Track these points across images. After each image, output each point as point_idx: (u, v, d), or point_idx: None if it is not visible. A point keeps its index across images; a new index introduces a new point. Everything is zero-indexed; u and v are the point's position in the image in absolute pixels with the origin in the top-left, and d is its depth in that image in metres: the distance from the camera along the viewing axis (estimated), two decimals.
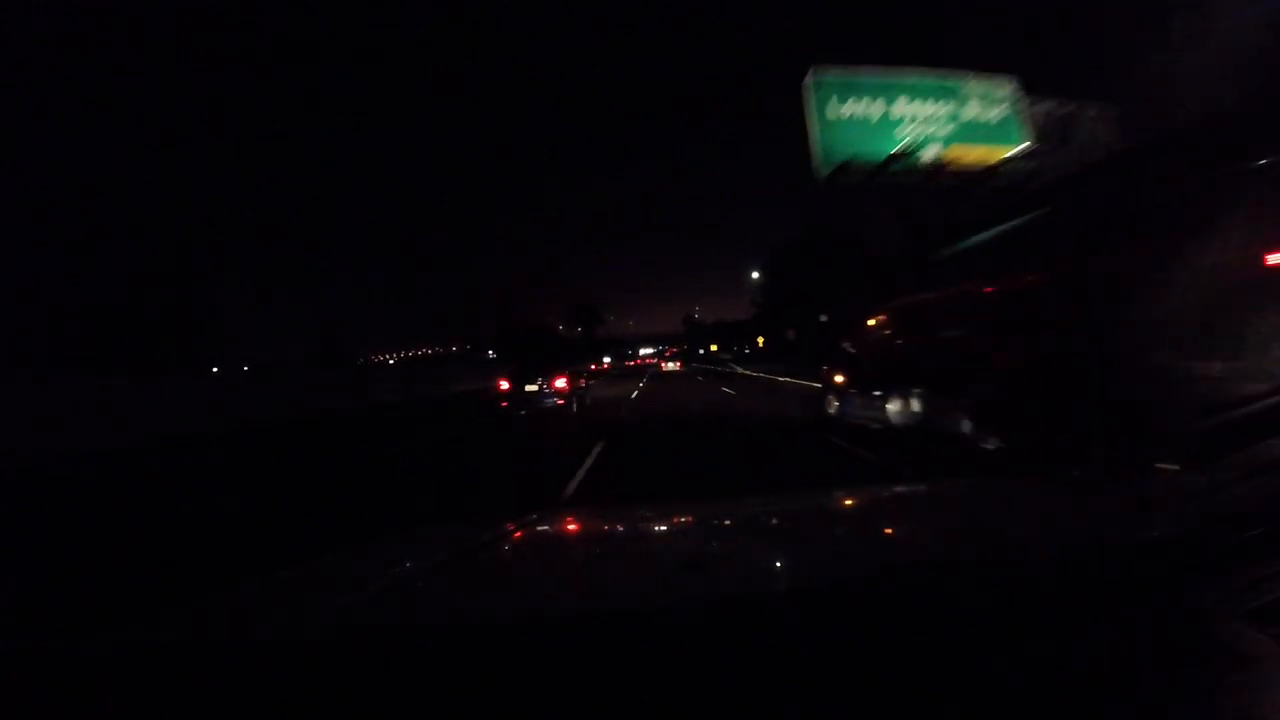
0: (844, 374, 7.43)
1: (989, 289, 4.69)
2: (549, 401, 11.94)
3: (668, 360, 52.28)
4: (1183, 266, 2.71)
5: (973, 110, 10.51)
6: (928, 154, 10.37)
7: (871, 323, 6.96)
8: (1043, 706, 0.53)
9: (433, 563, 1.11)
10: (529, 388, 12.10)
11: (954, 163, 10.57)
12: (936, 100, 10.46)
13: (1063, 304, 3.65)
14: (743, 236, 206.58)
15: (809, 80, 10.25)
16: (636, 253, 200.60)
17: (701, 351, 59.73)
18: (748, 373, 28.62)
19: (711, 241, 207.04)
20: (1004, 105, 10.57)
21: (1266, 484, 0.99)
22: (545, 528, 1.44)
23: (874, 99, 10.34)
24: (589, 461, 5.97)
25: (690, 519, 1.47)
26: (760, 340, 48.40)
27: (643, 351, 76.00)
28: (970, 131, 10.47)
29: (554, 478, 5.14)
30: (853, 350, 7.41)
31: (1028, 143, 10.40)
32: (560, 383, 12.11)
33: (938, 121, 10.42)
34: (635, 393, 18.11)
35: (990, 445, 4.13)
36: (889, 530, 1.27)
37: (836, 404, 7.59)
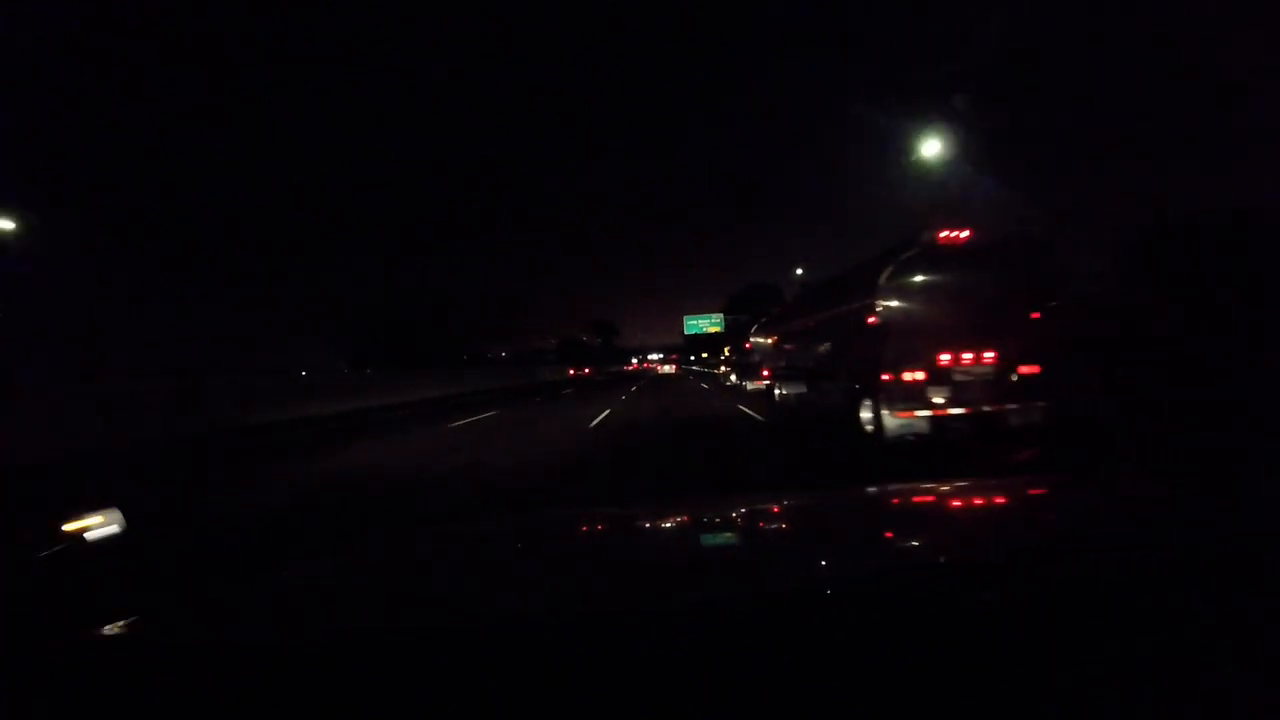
0: (727, 367, 25.19)
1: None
2: None
3: (664, 365, 69.05)
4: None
5: (714, 322, 64.55)
6: (708, 329, 62.12)
7: (726, 351, 40.81)
8: (1043, 707, 0.55)
9: (431, 563, 1.12)
10: None
11: (716, 330, 63.32)
12: (705, 318, 65.37)
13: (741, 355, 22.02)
14: (730, 261, 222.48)
15: (685, 317, 68.68)
16: (646, 273, 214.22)
17: (692, 358, 75.39)
18: (706, 370, 47.81)
19: (702, 263, 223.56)
20: (720, 319, 64.80)
21: (1261, 488, 1.03)
22: (543, 529, 1.44)
23: (701, 317, 66.20)
24: None
25: (688, 519, 1.46)
26: (728, 350, 71.76)
27: (651, 357, 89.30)
28: (714, 324, 64.75)
29: None
30: (729, 358, 29.35)
31: (723, 328, 61.62)
32: None
33: (707, 321, 65.01)
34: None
35: (739, 381, 18.29)
36: (886, 531, 1.28)
37: (723, 379, 23.24)
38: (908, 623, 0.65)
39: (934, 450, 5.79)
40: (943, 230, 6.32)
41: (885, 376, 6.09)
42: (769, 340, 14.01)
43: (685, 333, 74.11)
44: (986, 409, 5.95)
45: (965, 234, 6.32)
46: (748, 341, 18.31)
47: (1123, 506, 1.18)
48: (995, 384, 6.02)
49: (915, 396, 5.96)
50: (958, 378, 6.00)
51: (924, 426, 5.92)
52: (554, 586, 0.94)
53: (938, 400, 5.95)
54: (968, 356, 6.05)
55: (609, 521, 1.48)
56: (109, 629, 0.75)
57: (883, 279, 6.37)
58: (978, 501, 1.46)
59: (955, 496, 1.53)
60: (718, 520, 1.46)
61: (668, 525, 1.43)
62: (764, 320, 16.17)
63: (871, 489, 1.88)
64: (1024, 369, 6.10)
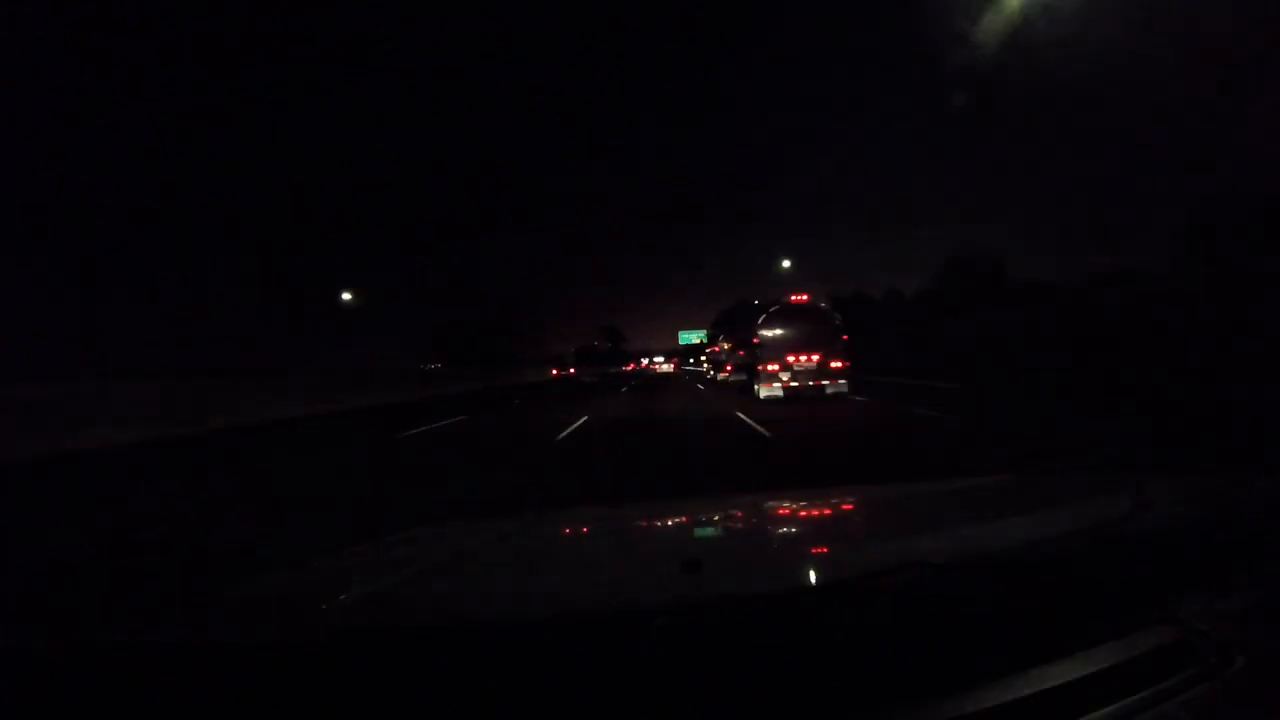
0: (708, 363, 34.59)
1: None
2: None
3: (664, 365, 78.14)
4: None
5: (700, 334, 71.70)
6: (695, 340, 69.49)
7: (709, 350, 38.03)
8: (1041, 706, 0.55)
9: (432, 563, 1.12)
10: None
11: (701, 340, 69.45)
12: (694, 332, 74.86)
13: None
14: (725, 269, 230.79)
15: (679, 331, 77.86)
16: (650, 284, 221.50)
17: (690, 360, 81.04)
18: (695, 370, 52.86)
19: (701, 267, 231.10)
20: (704, 333, 68.65)
21: (1262, 486, 1.03)
22: (543, 528, 1.44)
23: (690, 331, 75.70)
24: None
25: (688, 518, 1.48)
26: (709, 352, 76.32)
27: (657, 359, 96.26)
28: (700, 336, 68.73)
29: None
30: (712, 356, 33.47)
31: (706, 339, 63.22)
32: None
33: (695, 335, 73.67)
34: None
35: (713, 376, 27.82)
36: (885, 530, 1.28)
37: (705, 374, 32.95)
38: (907, 622, 0.65)
39: (782, 403, 11.96)
40: (793, 295, 12.73)
41: (759, 368, 12.39)
42: (726, 347, 21.05)
43: (679, 343, 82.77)
44: (812, 384, 12.15)
45: (805, 297, 12.74)
46: (716, 347, 27.17)
47: (1122, 504, 1.17)
48: (818, 372, 12.21)
49: (773, 378, 12.19)
50: (797, 368, 12.22)
51: (779, 393, 12.13)
52: (553, 586, 0.96)
53: (785, 379, 12.19)
54: (804, 358, 12.27)
55: (609, 521, 1.49)
56: (108, 629, 0.76)
57: (759, 319, 12.77)
58: (976, 500, 1.47)
59: (954, 495, 1.55)
60: (717, 520, 1.47)
61: (668, 525, 1.46)
62: (724, 335, 24.95)
63: (871, 489, 1.89)
64: (835, 364, 12.30)
